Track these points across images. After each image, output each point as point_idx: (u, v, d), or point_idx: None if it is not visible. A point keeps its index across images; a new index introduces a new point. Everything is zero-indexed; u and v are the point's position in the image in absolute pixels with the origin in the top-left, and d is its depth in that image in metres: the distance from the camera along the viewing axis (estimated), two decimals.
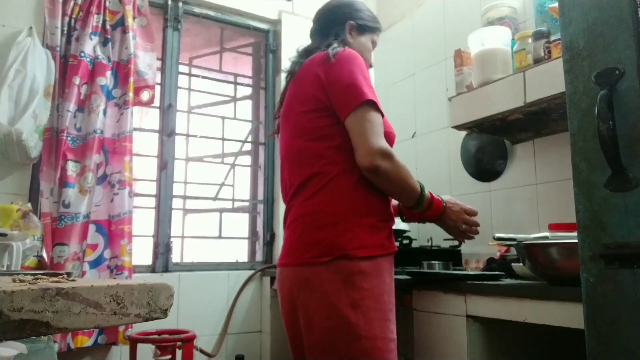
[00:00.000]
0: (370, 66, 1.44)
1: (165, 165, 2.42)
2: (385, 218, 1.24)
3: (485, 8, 2.05)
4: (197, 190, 2.55)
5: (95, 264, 2.09)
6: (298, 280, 1.18)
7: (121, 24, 2.25)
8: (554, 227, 1.56)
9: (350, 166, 1.18)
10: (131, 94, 2.21)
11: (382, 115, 1.22)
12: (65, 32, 2.13)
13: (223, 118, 2.68)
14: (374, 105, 1.18)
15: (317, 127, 1.21)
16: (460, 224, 1.35)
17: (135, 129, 2.26)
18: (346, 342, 1.10)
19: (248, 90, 2.84)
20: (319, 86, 1.22)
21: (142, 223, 2.35)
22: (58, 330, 0.45)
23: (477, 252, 2.06)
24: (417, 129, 2.61)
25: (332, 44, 1.27)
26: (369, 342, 1.11)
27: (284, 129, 1.33)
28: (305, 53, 1.35)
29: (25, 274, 0.61)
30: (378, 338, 1.12)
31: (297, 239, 1.20)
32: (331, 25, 1.38)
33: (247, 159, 2.77)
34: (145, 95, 2.30)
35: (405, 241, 2.10)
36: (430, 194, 1.30)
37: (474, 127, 1.91)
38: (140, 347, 2.00)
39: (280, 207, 2.56)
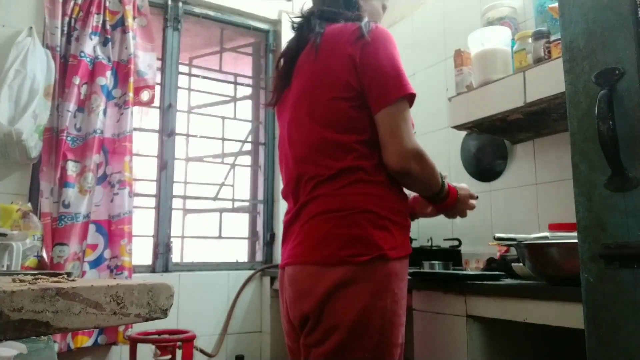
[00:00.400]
0: None
1: (165, 165, 2.42)
2: (407, 216, 1.18)
3: (485, 8, 2.05)
4: (197, 190, 2.55)
5: (95, 264, 2.09)
6: (329, 279, 1.04)
7: (121, 24, 2.25)
8: (554, 227, 1.56)
9: (380, 161, 1.11)
10: (131, 94, 2.21)
11: None
12: (65, 32, 2.13)
13: (223, 118, 2.68)
14: (411, 100, 1.11)
15: (350, 118, 1.10)
16: (466, 212, 1.32)
17: (135, 129, 2.26)
18: (370, 346, 1.04)
19: (248, 90, 2.84)
20: (352, 70, 1.09)
21: (142, 223, 2.36)
22: (58, 330, 0.45)
23: (477, 252, 2.06)
24: (417, 129, 2.58)
25: (362, 16, 1.15)
26: (387, 349, 1.06)
27: (298, 111, 1.16)
28: (321, 19, 1.17)
29: (25, 274, 0.61)
30: (395, 345, 1.08)
31: (327, 235, 1.06)
32: None
33: (247, 159, 2.77)
34: (145, 95, 2.30)
35: None
36: (449, 185, 1.25)
37: (474, 127, 1.91)
38: (140, 347, 2.00)
39: (281, 207, 2.56)
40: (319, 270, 1.06)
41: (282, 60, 1.24)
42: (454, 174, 2.34)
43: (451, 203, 1.26)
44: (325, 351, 1.04)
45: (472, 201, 1.32)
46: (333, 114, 1.10)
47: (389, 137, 1.07)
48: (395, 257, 1.08)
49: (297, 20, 1.24)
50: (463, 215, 1.32)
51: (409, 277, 1.55)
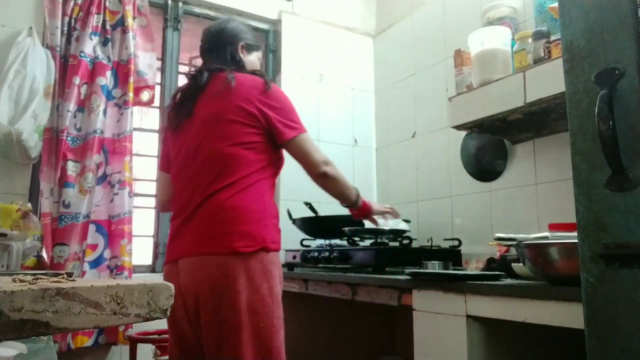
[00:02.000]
0: None
1: None
2: (278, 221, 1.48)
3: (485, 8, 2.05)
4: None
5: (95, 264, 2.09)
6: (223, 266, 1.30)
7: (121, 24, 2.25)
8: (554, 227, 1.56)
9: (267, 174, 1.43)
10: (131, 94, 2.21)
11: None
12: (65, 32, 2.13)
13: None
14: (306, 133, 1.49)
15: (249, 140, 1.40)
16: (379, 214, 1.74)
17: (135, 129, 2.26)
18: (264, 320, 1.32)
19: None
20: (255, 106, 1.41)
21: (142, 223, 2.35)
22: (58, 330, 0.45)
23: (477, 252, 2.06)
24: (417, 129, 2.61)
25: (245, 68, 1.52)
26: (276, 321, 1.35)
27: (200, 131, 1.43)
28: (209, 70, 1.49)
29: (25, 274, 0.61)
30: (280, 317, 1.38)
31: (223, 231, 1.33)
32: (225, 44, 1.55)
33: None
34: (145, 95, 2.30)
35: (405, 241, 2.10)
36: (363, 200, 1.63)
37: (474, 127, 1.92)
38: (140, 347, 2.00)
39: (281, 207, 2.56)
40: (212, 259, 1.32)
41: (178, 96, 1.54)
42: (454, 174, 2.34)
43: (367, 210, 1.66)
44: (228, 330, 1.28)
45: (384, 208, 1.75)
46: (231, 133, 1.39)
47: (304, 155, 1.47)
48: (274, 250, 1.39)
49: (193, 70, 1.58)
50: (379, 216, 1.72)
51: (408, 277, 1.57)
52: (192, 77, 1.52)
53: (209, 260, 1.32)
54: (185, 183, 1.44)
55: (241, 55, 1.56)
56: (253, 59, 1.60)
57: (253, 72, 1.51)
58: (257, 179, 1.40)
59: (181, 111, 1.49)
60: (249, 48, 1.60)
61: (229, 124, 1.40)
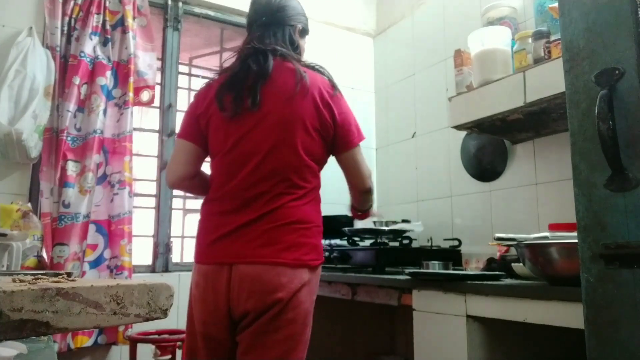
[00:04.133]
0: None
1: (165, 165, 2.42)
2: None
3: (485, 8, 2.05)
4: None
5: (95, 264, 2.09)
6: (295, 278, 1.26)
7: (121, 24, 2.25)
8: (554, 227, 1.57)
9: (318, 186, 1.39)
10: (131, 94, 2.21)
11: None
12: (65, 32, 2.13)
13: None
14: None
15: (318, 151, 1.35)
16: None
17: (135, 129, 2.26)
18: (307, 331, 1.30)
19: None
20: (329, 113, 1.35)
21: (142, 223, 2.35)
22: (58, 330, 0.45)
23: (477, 252, 2.06)
24: (417, 129, 2.61)
25: (301, 55, 1.45)
26: (309, 332, 1.32)
27: (274, 132, 1.31)
28: (272, 53, 1.36)
29: (25, 274, 0.61)
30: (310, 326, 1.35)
31: (296, 242, 1.28)
32: (284, 23, 1.42)
33: None
34: (145, 95, 2.30)
35: (405, 241, 2.10)
36: None
37: (474, 127, 1.91)
38: (140, 347, 2.00)
39: None
40: (281, 269, 1.26)
41: (234, 76, 1.35)
42: (454, 174, 2.34)
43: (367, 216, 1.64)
44: (281, 338, 1.24)
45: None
46: (307, 145, 1.32)
47: (358, 169, 1.43)
48: (322, 264, 1.37)
49: (247, 47, 1.39)
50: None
51: (408, 277, 1.57)
52: (250, 57, 1.35)
53: (281, 271, 1.24)
54: (249, 183, 1.30)
55: (298, 38, 1.44)
56: (303, 45, 1.51)
57: (315, 69, 1.41)
58: (317, 191, 1.39)
59: (242, 98, 1.32)
60: (303, 33, 1.49)
61: (306, 132, 1.31)
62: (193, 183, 1.44)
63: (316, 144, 1.34)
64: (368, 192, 1.48)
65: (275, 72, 1.33)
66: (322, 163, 1.40)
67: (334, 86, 1.39)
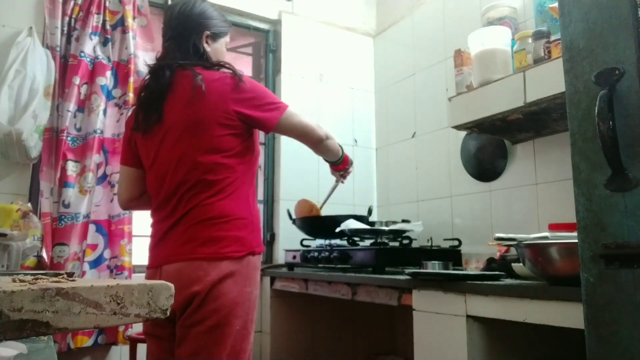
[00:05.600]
0: None
1: None
2: (259, 223, 1.47)
3: (485, 8, 2.05)
4: None
5: (95, 264, 2.09)
6: (213, 270, 1.30)
7: (121, 24, 2.25)
8: (554, 227, 1.56)
9: (249, 176, 1.42)
10: (131, 94, 2.21)
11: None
12: (65, 32, 2.13)
13: None
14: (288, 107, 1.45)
15: (230, 146, 1.38)
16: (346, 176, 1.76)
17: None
18: (240, 323, 1.32)
19: None
20: (231, 108, 1.35)
21: (142, 223, 2.35)
22: (58, 330, 0.45)
23: (477, 252, 2.06)
24: (417, 129, 2.61)
25: (209, 61, 1.44)
26: (249, 324, 1.36)
27: (179, 141, 1.38)
28: (170, 67, 1.40)
29: (25, 274, 0.61)
30: (253, 321, 1.39)
31: (213, 236, 1.33)
32: (188, 35, 1.44)
33: None
34: None
35: (405, 241, 2.10)
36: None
37: (474, 127, 1.92)
38: (140, 347, 2.00)
39: (282, 207, 2.56)
40: (203, 264, 1.31)
41: (143, 95, 1.44)
42: (454, 173, 2.34)
43: (346, 163, 1.70)
44: (205, 329, 1.29)
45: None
46: (214, 142, 1.36)
47: (302, 132, 1.47)
48: (259, 253, 1.40)
49: (153, 65, 1.47)
50: (346, 175, 1.74)
51: (408, 277, 1.57)
52: (154, 74, 1.43)
53: (198, 265, 1.30)
54: (168, 194, 1.39)
55: (205, 45, 1.46)
56: (218, 47, 1.51)
57: (219, 66, 1.41)
58: (240, 184, 1.39)
59: (150, 114, 1.40)
60: (215, 36, 1.49)
61: (208, 133, 1.35)
62: (140, 202, 1.56)
63: (225, 138, 1.36)
64: (322, 141, 1.51)
65: (175, 83, 1.38)
66: (240, 154, 1.39)
67: (236, 77, 1.37)
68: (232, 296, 1.31)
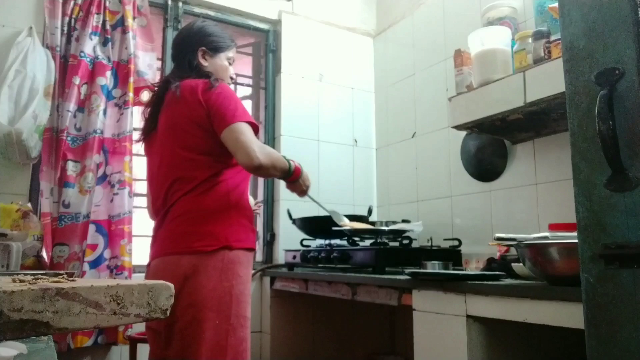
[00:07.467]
0: (232, 79, 1.64)
1: None
2: (251, 220, 1.50)
3: (485, 8, 2.05)
4: None
5: (95, 264, 2.09)
6: (183, 265, 1.33)
7: (121, 24, 2.25)
8: (554, 227, 1.56)
9: (233, 172, 1.45)
10: (131, 94, 2.21)
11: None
12: (65, 32, 2.13)
13: None
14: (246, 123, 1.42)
15: (205, 144, 1.43)
16: (305, 187, 1.63)
17: (135, 129, 2.26)
18: (220, 317, 1.32)
19: (248, 90, 2.84)
20: (201, 107, 1.42)
21: (142, 223, 2.35)
22: (58, 330, 0.45)
23: (477, 252, 2.06)
24: (417, 129, 2.61)
25: (207, 75, 1.51)
26: (233, 319, 1.35)
27: (163, 142, 1.50)
28: (166, 82, 1.55)
29: (25, 274, 0.61)
30: (240, 316, 1.37)
31: (184, 231, 1.37)
32: (184, 53, 1.56)
33: None
34: (145, 96, 2.30)
35: (405, 241, 2.10)
36: (295, 165, 1.55)
37: (474, 127, 1.92)
38: (140, 347, 2.00)
39: (282, 207, 2.56)
40: (175, 259, 1.36)
41: (147, 110, 1.60)
42: (454, 174, 2.34)
43: (296, 175, 1.58)
44: (183, 325, 1.31)
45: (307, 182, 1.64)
46: (189, 142, 1.43)
47: (235, 146, 1.38)
48: (240, 248, 1.39)
49: (161, 81, 1.64)
50: (303, 189, 1.62)
51: (408, 277, 1.57)
52: (156, 91, 1.58)
53: (170, 260, 1.36)
54: (157, 192, 1.50)
55: (202, 60, 1.55)
56: (217, 61, 1.58)
57: (205, 76, 1.49)
58: (221, 180, 1.42)
59: (147, 124, 1.57)
60: (214, 50, 1.58)
61: (184, 132, 1.43)
62: None
63: (199, 137, 1.42)
64: (257, 169, 1.36)
65: (167, 95, 1.51)
66: (215, 153, 1.43)
67: (209, 83, 1.45)
68: (206, 291, 1.32)
